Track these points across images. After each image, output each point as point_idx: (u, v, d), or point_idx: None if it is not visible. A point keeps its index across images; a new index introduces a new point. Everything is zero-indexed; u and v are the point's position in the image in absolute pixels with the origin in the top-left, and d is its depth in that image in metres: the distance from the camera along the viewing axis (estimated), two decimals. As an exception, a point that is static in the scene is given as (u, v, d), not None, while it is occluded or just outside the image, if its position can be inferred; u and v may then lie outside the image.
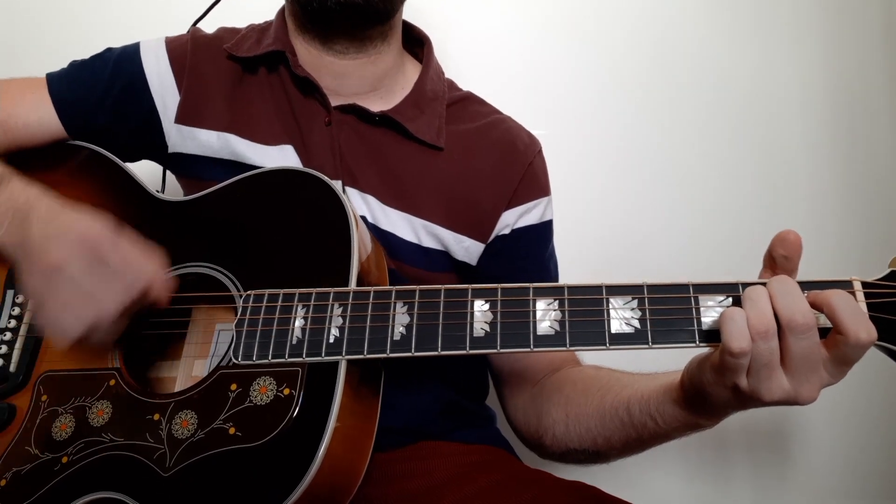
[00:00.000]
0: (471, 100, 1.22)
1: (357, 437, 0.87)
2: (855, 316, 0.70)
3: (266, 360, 0.85)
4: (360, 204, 1.07)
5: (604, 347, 0.77)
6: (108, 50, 1.16)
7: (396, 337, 0.83)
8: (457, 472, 1.01)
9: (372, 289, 0.86)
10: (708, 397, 0.80)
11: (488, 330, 0.81)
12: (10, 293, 1.01)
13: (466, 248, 1.10)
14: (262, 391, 0.84)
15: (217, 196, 1.01)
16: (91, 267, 0.86)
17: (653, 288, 0.78)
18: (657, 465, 1.59)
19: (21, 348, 0.98)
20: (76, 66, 1.15)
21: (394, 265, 1.06)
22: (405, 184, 1.09)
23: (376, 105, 1.11)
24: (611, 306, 0.78)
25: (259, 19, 1.20)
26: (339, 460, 0.82)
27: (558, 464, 1.10)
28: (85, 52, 1.16)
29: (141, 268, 0.89)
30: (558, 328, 0.79)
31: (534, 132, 1.20)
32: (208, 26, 1.21)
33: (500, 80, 1.61)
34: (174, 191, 1.15)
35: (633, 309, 0.78)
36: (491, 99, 1.23)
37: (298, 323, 0.86)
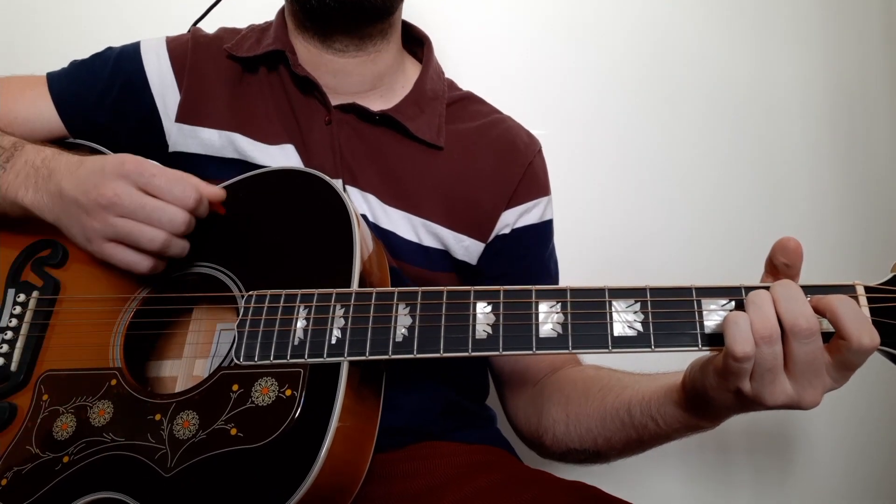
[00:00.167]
0: (471, 99, 1.22)
1: (358, 437, 0.87)
2: (858, 321, 0.70)
3: (268, 361, 0.85)
4: (360, 203, 1.07)
5: (606, 350, 0.77)
6: (109, 49, 1.16)
7: (398, 338, 0.83)
8: (457, 472, 1.01)
9: (374, 290, 0.87)
10: (710, 400, 0.80)
11: (490, 332, 0.81)
12: (11, 292, 1.01)
13: (466, 248, 1.11)
14: (264, 392, 0.84)
15: (218, 196, 1.01)
16: (147, 182, 0.88)
17: (655, 291, 0.78)
18: (658, 466, 1.59)
19: (22, 347, 0.97)
20: (76, 66, 1.15)
21: (395, 264, 1.07)
22: (405, 183, 1.09)
23: (376, 104, 1.11)
24: (613, 309, 0.79)
25: (259, 19, 1.20)
26: (340, 461, 0.82)
27: (558, 464, 1.10)
28: (85, 52, 1.17)
29: (186, 179, 0.90)
30: (561, 331, 0.79)
31: (533, 132, 1.20)
32: (209, 26, 1.21)
33: (499, 79, 1.61)
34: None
35: (635, 312, 0.78)
36: (490, 98, 1.24)
37: (300, 324, 0.86)
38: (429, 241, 1.09)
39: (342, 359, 0.83)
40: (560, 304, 0.80)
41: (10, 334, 0.98)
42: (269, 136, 1.09)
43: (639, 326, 0.77)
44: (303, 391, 0.82)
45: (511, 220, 1.13)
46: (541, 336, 0.79)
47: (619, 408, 0.94)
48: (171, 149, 1.13)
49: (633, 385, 0.95)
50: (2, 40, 1.67)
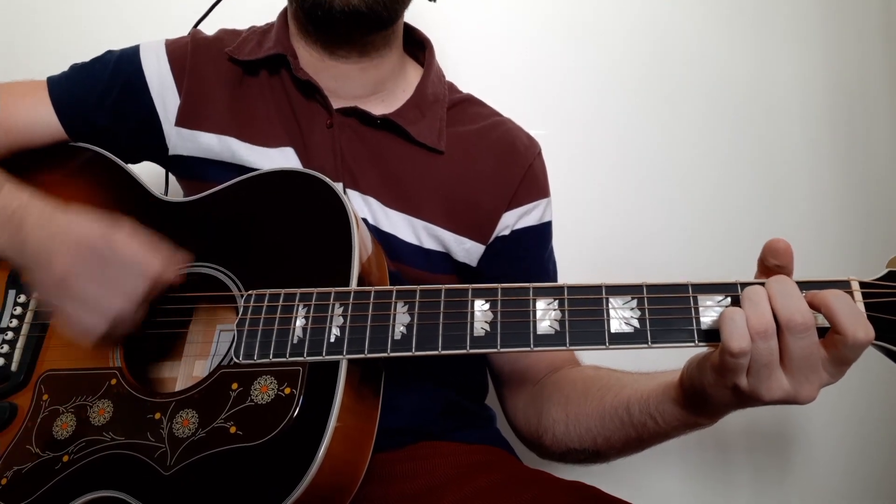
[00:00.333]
0: (471, 102, 1.22)
1: (357, 436, 0.87)
2: (853, 316, 0.71)
3: (267, 360, 0.85)
4: (361, 206, 1.08)
5: (603, 347, 0.78)
6: (109, 52, 1.16)
7: (397, 336, 0.83)
8: (457, 472, 1.01)
9: (373, 289, 0.87)
10: (708, 397, 0.80)
11: (489, 329, 0.81)
12: (11, 293, 1.01)
13: (467, 250, 1.11)
14: (263, 390, 0.84)
15: (219, 196, 1.02)
16: (96, 269, 0.87)
17: (652, 288, 0.79)
18: (657, 465, 1.59)
19: (22, 347, 0.98)
20: (76, 69, 1.15)
21: (395, 267, 1.07)
22: (406, 186, 1.09)
23: (377, 108, 1.11)
24: (610, 306, 0.79)
25: (259, 20, 1.20)
26: (339, 460, 0.82)
27: (558, 464, 1.10)
28: (85, 52, 1.17)
29: (145, 258, 0.89)
30: (558, 328, 0.79)
31: (533, 132, 1.20)
32: (209, 28, 1.21)
33: (499, 79, 1.61)
34: (175, 192, 1.15)
35: (632, 309, 0.78)
36: (490, 98, 1.24)
37: (299, 322, 0.86)
38: (429, 244, 1.09)
39: (341, 357, 0.83)
40: (557, 301, 0.81)
41: (10, 335, 0.99)
42: (269, 139, 1.09)
43: (636, 323, 0.78)
44: (302, 389, 0.83)
45: (511, 221, 1.13)
46: (538, 333, 0.80)
47: (617, 406, 0.94)
48: (171, 152, 1.13)
49: (632, 384, 0.95)
50: (2, 40, 1.67)
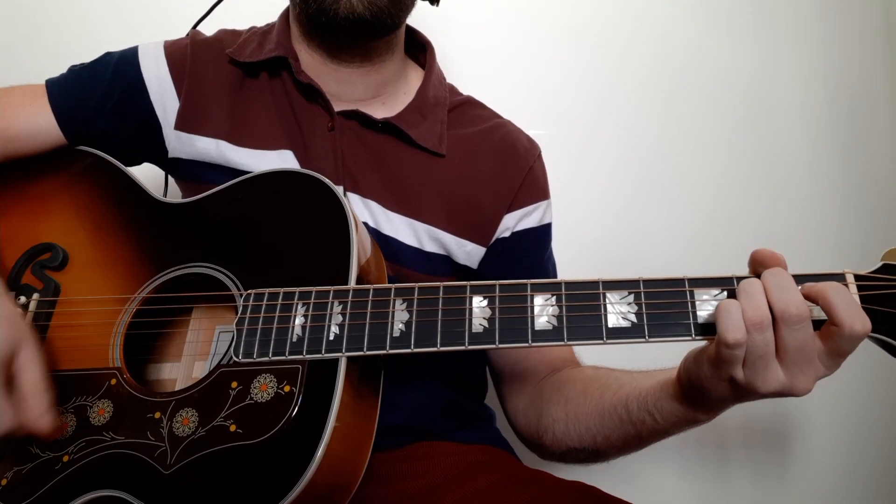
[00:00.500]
0: (471, 104, 1.22)
1: (357, 435, 0.87)
2: (850, 308, 0.71)
3: (266, 358, 0.85)
4: (362, 209, 1.08)
5: (601, 342, 0.78)
6: (108, 54, 1.16)
7: (396, 333, 0.83)
8: (456, 472, 1.01)
9: (371, 286, 0.87)
10: (705, 391, 0.80)
11: (487, 326, 0.81)
12: (11, 294, 1.02)
13: (468, 252, 1.11)
14: (263, 389, 0.84)
15: (218, 197, 1.02)
16: None
17: (648, 282, 0.79)
18: (657, 465, 1.59)
19: (22, 348, 0.98)
20: (75, 71, 1.15)
21: (395, 270, 1.07)
22: (407, 189, 1.09)
23: (379, 111, 1.12)
24: (607, 301, 0.79)
25: (259, 21, 1.20)
26: (338, 459, 0.82)
27: (558, 464, 1.10)
28: (86, 52, 1.17)
29: (17, 405, 0.84)
30: (556, 323, 0.80)
31: (533, 133, 1.21)
32: (209, 28, 1.21)
33: (499, 81, 1.62)
34: (175, 194, 1.16)
35: (629, 303, 0.79)
36: (490, 98, 1.24)
37: (298, 321, 0.86)
38: (430, 247, 1.10)
39: (340, 354, 0.83)
40: (555, 296, 0.81)
41: (10, 335, 0.98)
42: (267, 142, 1.10)
43: (633, 318, 0.78)
44: (301, 387, 0.83)
45: (511, 223, 1.13)
46: (536, 329, 0.80)
47: (616, 404, 0.94)
48: (170, 155, 1.13)
49: (630, 382, 0.95)
50: (2, 40, 1.68)
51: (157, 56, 1.14)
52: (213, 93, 1.12)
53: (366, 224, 1.06)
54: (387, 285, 0.87)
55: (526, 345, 0.80)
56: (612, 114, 1.67)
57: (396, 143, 1.11)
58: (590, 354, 1.08)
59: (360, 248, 0.91)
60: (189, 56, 1.13)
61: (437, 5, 1.21)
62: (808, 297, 0.73)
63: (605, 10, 1.70)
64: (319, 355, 0.84)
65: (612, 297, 0.79)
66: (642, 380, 0.93)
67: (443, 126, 1.14)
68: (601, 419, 0.97)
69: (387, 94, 1.15)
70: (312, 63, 1.12)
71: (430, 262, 1.10)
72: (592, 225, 1.62)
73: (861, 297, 0.74)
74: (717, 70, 1.69)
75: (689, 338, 0.77)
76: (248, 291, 0.90)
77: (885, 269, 0.76)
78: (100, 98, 1.12)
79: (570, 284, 0.81)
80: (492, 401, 1.22)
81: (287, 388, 0.83)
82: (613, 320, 0.78)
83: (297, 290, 0.88)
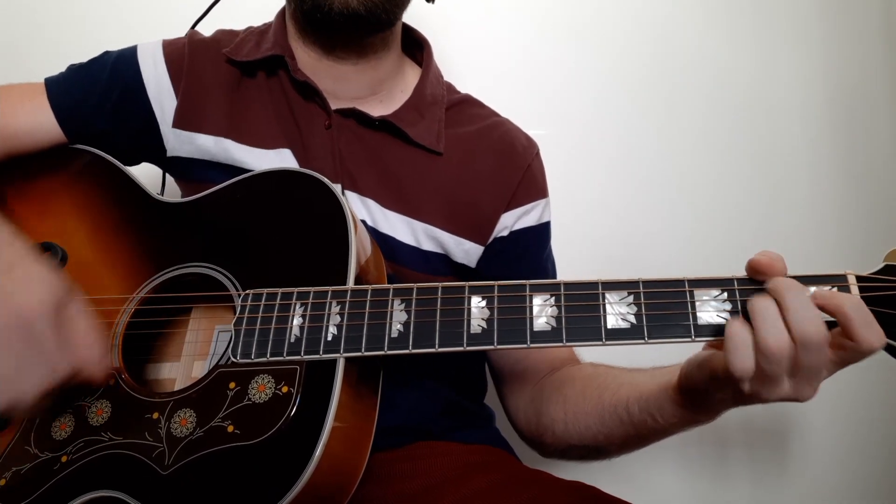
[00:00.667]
0: (469, 102, 1.22)
1: (356, 436, 0.87)
2: (868, 324, 0.70)
3: (264, 359, 0.85)
4: (359, 208, 1.08)
5: (600, 343, 0.77)
6: (106, 53, 1.16)
7: (394, 334, 0.83)
8: (456, 472, 1.01)
9: (370, 287, 0.87)
10: (707, 397, 0.80)
11: (485, 326, 0.81)
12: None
13: (466, 251, 1.11)
14: (261, 389, 0.84)
15: (217, 196, 1.02)
16: (16, 346, 0.80)
17: (648, 283, 0.79)
18: (657, 464, 1.59)
19: (21, 348, 0.98)
20: (74, 70, 1.15)
21: (393, 269, 1.07)
22: (405, 187, 1.09)
23: (376, 109, 1.11)
24: (607, 302, 0.79)
25: (257, 21, 1.20)
26: (337, 459, 0.82)
27: (558, 464, 1.10)
28: (85, 53, 1.17)
29: (74, 350, 0.84)
30: (555, 324, 0.79)
31: (532, 132, 1.20)
32: (206, 28, 1.21)
33: (497, 80, 1.62)
34: (173, 193, 1.16)
35: (628, 304, 0.78)
36: (489, 98, 1.24)
37: (296, 321, 0.86)
38: (428, 245, 1.09)
39: (338, 355, 0.83)
40: (554, 297, 0.81)
41: (9, 335, 0.98)
42: (266, 141, 1.10)
43: (632, 319, 0.77)
44: (299, 388, 0.82)
45: (510, 222, 1.13)
46: (535, 330, 0.79)
47: (616, 405, 0.94)
48: (169, 153, 1.13)
49: (630, 382, 0.95)
50: (2, 40, 1.68)
51: (156, 55, 1.14)
52: (211, 92, 1.12)
53: (363, 222, 1.05)
54: (385, 286, 0.87)
55: (524, 346, 0.79)
56: (611, 114, 1.67)
57: (394, 142, 1.11)
58: (590, 352, 1.08)
59: (359, 247, 0.91)
60: (187, 56, 1.14)
61: (433, 2, 1.21)
62: (823, 308, 0.71)
63: (605, 10, 1.69)
64: (317, 356, 0.84)
65: (611, 297, 0.79)
66: (642, 380, 0.93)
67: (440, 124, 1.13)
68: (601, 419, 0.97)
69: (384, 92, 1.15)
70: (309, 61, 1.11)
71: (427, 260, 1.10)
72: (592, 225, 1.61)
73: (863, 298, 0.73)
74: (717, 70, 1.69)
75: (689, 339, 0.76)
76: (247, 292, 0.90)
77: (887, 269, 0.75)
78: (98, 97, 1.12)
79: (570, 285, 0.81)
80: (491, 401, 1.22)
81: (285, 389, 0.83)
82: (613, 321, 0.78)
83: (295, 290, 0.88)
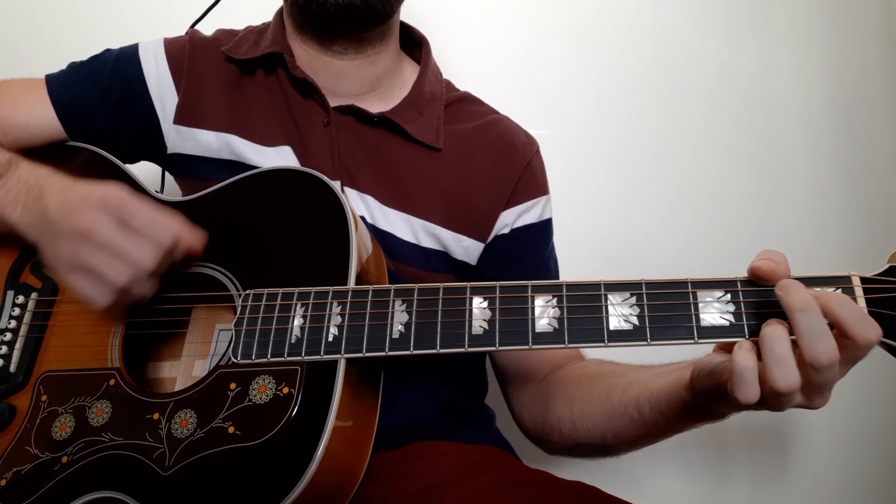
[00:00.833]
0: (468, 100, 1.22)
1: (356, 436, 0.87)
2: (860, 319, 0.69)
3: (265, 359, 0.85)
4: (358, 204, 1.08)
5: (602, 344, 0.77)
6: (107, 51, 1.16)
7: (395, 335, 0.83)
8: (456, 472, 1.01)
9: (371, 287, 0.86)
10: (718, 405, 0.80)
11: (487, 328, 0.81)
12: (10, 294, 1.01)
13: (466, 248, 1.11)
14: (262, 390, 0.84)
15: (216, 196, 1.02)
16: (119, 226, 0.85)
17: (651, 285, 0.78)
18: (657, 465, 1.59)
19: (21, 349, 0.98)
20: (75, 68, 1.15)
21: (392, 265, 1.07)
22: (404, 184, 1.09)
23: (374, 106, 1.11)
24: (609, 303, 0.78)
25: (257, 21, 1.20)
26: (338, 459, 0.82)
27: (558, 464, 1.09)
28: (86, 52, 1.17)
29: (167, 222, 0.88)
30: (557, 325, 0.79)
31: (532, 132, 1.20)
32: (206, 28, 1.22)
33: (497, 78, 1.62)
34: (173, 192, 1.16)
35: (631, 306, 0.78)
36: (488, 97, 1.24)
37: (297, 322, 0.86)
38: (427, 242, 1.09)
39: (339, 356, 0.83)
40: (556, 298, 0.80)
41: (8, 336, 0.98)
42: (266, 138, 1.09)
43: (634, 320, 0.77)
44: (300, 389, 0.82)
45: (510, 219, 1.13)
46: (537, 331, 0.79)
47: (626, 404, 0.94)
48: (170, 150, 1.13)
49: (639, 381, 0.94)
50: (2, 40, 1.67)
51: (157, 53, 1.14)
52: (211, 90, 1.12)
53: (362, 219, 1.05)
54: (386, 286, 0.86)
55: (526, 347, 0.79)
56: (611, 114, 1.67)
57: (392, 138, 1.11)
58: (591, 349, 1.08)
59: (360, 246, 0.91)
60: (188, 54, 1.14)
61: None
62: None
63: (605, 10, 1.69)
64: (318, 357, 0.83)
65: (613, 298, 0.78)
66: (652, 378, 0.92)
67: (439, 121, 1.13)
68: (609, 418, 0.96)
69: (382, 89, 1.15)
70: (307, 58, 1.12)
71: (426, 258, 1.10)
72: (592, 225, 1.61)
73: (867, 300, 0.73)
74: (717, 70, 1.69)
75: (692, 341, 0.75)
76: (247, 292, 0.90)
77: (891, 271, 0.74)
78: (100, 94, 1.12)
79: (572, 286, 0.81)
80: (492, 400, 1.22)
81: (286, 390, 0.83)
82: (615, 322, 0.77)
83: (296, 290, 0.88)
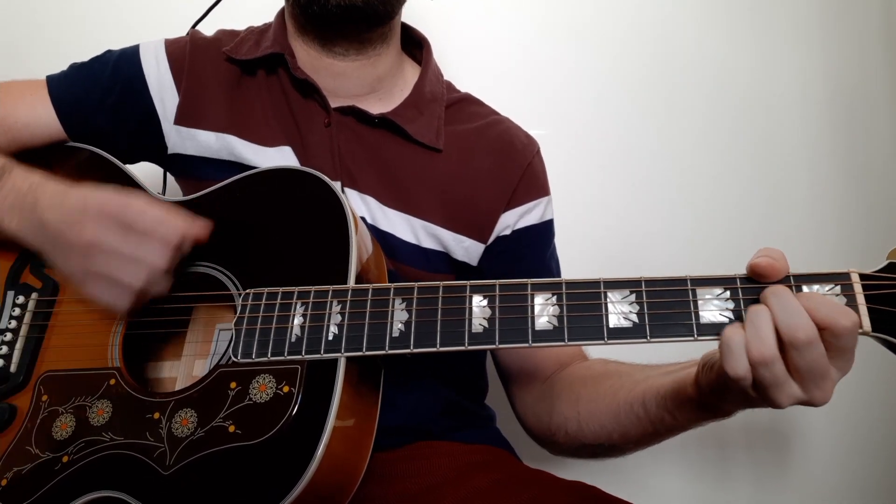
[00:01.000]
0: (469, 101, 1.22)
1: (357, 435, 0.87)
2: (829, 308, 0.71)
3: (265, 358, 0.85)
4: (359, 205, 1.08)
5: (602, 342, 0.77)
6: (108, 52, 1.16)
7: (395, 334, 0.83)
8: (457, 471, 1.01)
9: (371, 286, 0.86)
10: (722, 401, 0.80)
11: (487, 326, 0.81)
12: (10, 294, 1.01)
13: (466, 249, 1.11)
14: (262, 389, 0.84)
15: (216, 195, 1.02)
16: (124, 233, 0.87)
17: (650, 282, 0.79)
18: (657, 465, 1.59)
19: (21, 349, 0.98)
20: (76, 68, 1.15)
21: (392, 266, 1.07)
22: (404, 185, 1.09)
23: (375, 107, 1.11)
24: (608, 301, 0.79)
25: (257, 21, 1.20)
26: (338, 459, 0.82)
27: (558, 464, 1.09)
28: (86, 52, 1.17)
29: (169, 219, 0.89)
30: (556, 323, 0.79)
31: (532, 132, 1.20)
32: (207, 28, 1.22)
33: (497, 79, 1.62)
34: (174, 192, 1.16)
35: (630, 303, 0.78)
36: (489, 98, 1.24)
37: (297, 321, 0.86)
38: (428, 243, 1.09)
39: (339, 355, 0.83)
40: (555, 296, 0.80)
41: (9, 336, 0.99)
42: (266, 139, 1.10)
43: (634, 318, 0.77)
44: (300, 388, 0.82)
45: (511, 221, 1.13)
46: (537, 329, 0.79)
47: (633, 402, 0.94)
48: (170, 151, 1.13)
49: (645, 380, 0.94)
50: (2, 40, 1.67)
51: (158, 53, 1.14)
52: (212, 90, 1.12)
53: (363, 219, 1.05)
54: (386, 284, 0.87)
55: (526, 345, 0.79)
56: (611, 114, 1.67)
57: (393, 139, 1.11)
58: (595, 347, 1.08)
59: (360, 246, 0.91)
60: (188, 54, 1.14)
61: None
62: None
63: (605, 10, 1.69)
64: (318, 356, 0.84)
65: (613, 296, 0.79)
66: (657, 377, 0.93)
67: (440, 121, 1.13)
68: (616, 417, 0.96)
69: (383, 90, 1.15)
70: (308, 59, 1.12)
71: (427, 258, 1.10)
72: (592, 225, 1.61)
73: (866, 296, 0.73)
74: (717, 70, 1.69)
75: (692, 338, 0.76)
76: (247, 291, 0.90)
77: (890, 267, 0.75)
78: (100, 94, 1.12)
79: (571, 284, 0.81)
80: (492, 401, 1.22)
81: (286, 389, 0.83)
82: (615, 320, 0.78)
83: (296, 289, 0.88)
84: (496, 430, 1.18)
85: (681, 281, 0.78)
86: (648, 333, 0.76)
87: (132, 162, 1.16)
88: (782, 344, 0.71)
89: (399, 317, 0.84)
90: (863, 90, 1.69)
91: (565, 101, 1.66)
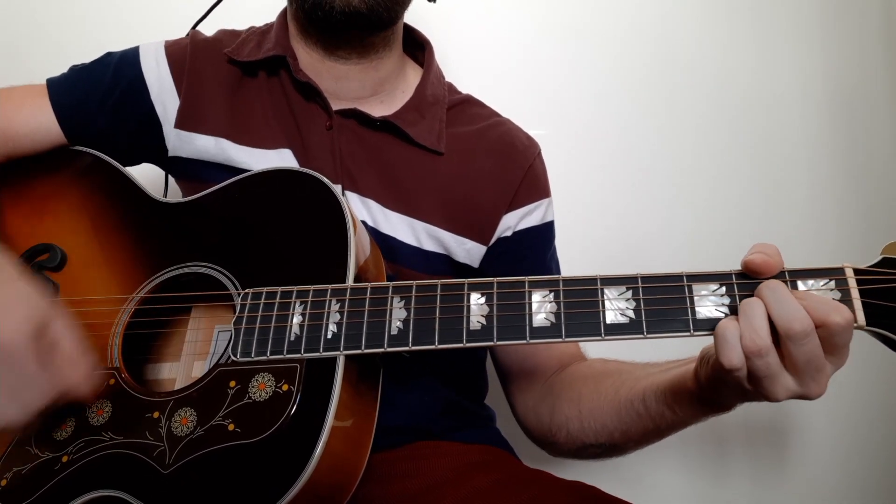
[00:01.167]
0: (470, 102, 1.22)
1: (356, 434, 0.87)
2: (822, 304, 0.72)
3: (264, 357, 0.85)
4: (360, 208, 1.08)
5: (599, 338, 0.78)
6: (108, 54, 1.16)
7: (394, 331, 0.83)
8: (456, 471, 1.01)
9: (369, 284, 0.87)
10: (719, 393, 0.81)
11: (485, 323, 0.81)
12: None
13: (468, 250, 1.11)
14: (261, 388, 0.84)
15: (216, 196, 1.02)
16: (5, 372, 0.80)
17: (647, 278, 0.79)
18: (657, 464, 1.59)
19: (22, 349, 0.98)
20: (76, 71, 1.16)
21: (394, 270, 1.07)
22: (405, 187, 1.09)
23: (377, 109, 1.12)
24: (605, 297, 0.79)
25: (259, 21, 1.21)
26: (337, 457, 0.82)
27: (558, 464, 1.09)
28: (86, 52, 1.17)
29: (58, 373, 0.83)
30: (554, 320, 0.79)
31: (533, 132, 1.20)
32: (208, 28, 1.22)
33: (497, 79, 1.62)
34: (176, 194, 1.16)
35: (627, 299, 0.78)
36: (489, 98, 1.24)
37: (296, 319, 0.86)
38: (429, 245, 1.10)
39: (338, 353, 0.83)
40: (553, 293, 0.81)
41: (9, 336, 0.98)
42: (266, 141, 1.10)
43: (631, 314, 0.78)
44: (299, 386, 0.82)
45: (512, 222, 1.13)
46: (534, 325, 0.80)
47: (633, 400, 0.94)
48: (170, 153, 1.14)
49: (646, 378, 0.95)
50: (2, 40, 1.67)
51: (158, 55, 1.14)
52: (212, 92, 1.12)
53: (364, 223, 1.05)
54: (384, 283, 0.87)
55: (524, 342, 0.79)
56: (611, 113, 1.67)
57: (395, 142, 1.11)
58: (594, 346, 1.08)
59: (358, 247, 0.91)
60: (189, 56, 1.14)
61: (435, 1, 1.21)
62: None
63: (605, 10, 1.69)
64: (317, 354, 0.84)
65: (610, 293, 0.79)
66: (658, 374, 0.93)
67: (441, 124, 1.14)
68: (618, 415, 0.97)
69: (385, 93, 1.15)
70: (310, 61, 1.12)
71: (429, 261, 1.10)
72: (592, 225, 1.61)
73: (861, 291, 0.74)
74: (717, 70, 1.69)
75: (688, 334, 0.76)
76: (246, 291, 0.90)
77: (884, 262, 0.75)
78: (100, 97, 1.12)
79: (568, 281, 0.81)
80: (492, 401, 1.22)
81: (285, 387, 0.83)
82: (612, 316, 0.78)
83: (295, 288, 0.88)
84: (496, 430, 1.18)
85: (677, 277, 0.78)
86: (645, 329, 0.77)
87: (133, 163, 1.16)
88: (778, 336, 0.72)
89: (397, 315, 0.84)
90: (863, 90, 1.69)
91: (565, 101, 1.66)
